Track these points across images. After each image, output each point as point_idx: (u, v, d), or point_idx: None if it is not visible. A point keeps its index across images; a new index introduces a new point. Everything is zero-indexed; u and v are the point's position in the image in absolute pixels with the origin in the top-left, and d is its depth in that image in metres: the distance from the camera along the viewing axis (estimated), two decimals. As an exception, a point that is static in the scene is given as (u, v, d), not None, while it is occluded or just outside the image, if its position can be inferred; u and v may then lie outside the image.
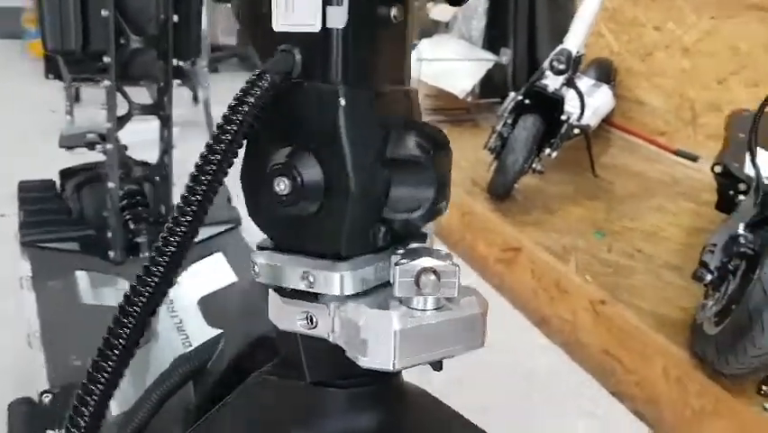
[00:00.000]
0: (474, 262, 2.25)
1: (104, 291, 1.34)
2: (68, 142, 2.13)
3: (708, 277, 1.50)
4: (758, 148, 1.82)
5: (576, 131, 2.39)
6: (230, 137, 0.37)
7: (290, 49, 0.39)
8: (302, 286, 0.40)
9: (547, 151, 2.21)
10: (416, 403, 0.49)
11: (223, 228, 1.58)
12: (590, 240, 2.07)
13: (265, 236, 0.45)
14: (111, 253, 1.41)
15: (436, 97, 3.00)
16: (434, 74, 2.88)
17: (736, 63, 2.54)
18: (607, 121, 2.95)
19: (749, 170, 1.69)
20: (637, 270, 1.91)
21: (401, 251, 0.39)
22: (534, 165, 2.21)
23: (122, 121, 1.36)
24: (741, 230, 1.46)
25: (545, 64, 2.18)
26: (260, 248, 0.43)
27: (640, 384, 1.62)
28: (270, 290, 0.42)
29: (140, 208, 1.52)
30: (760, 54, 2.46)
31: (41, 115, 3.24)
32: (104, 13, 1.25)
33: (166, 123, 1.43)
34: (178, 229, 0.37)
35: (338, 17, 0.37)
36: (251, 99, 0.37)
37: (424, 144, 0.40)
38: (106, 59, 1.28)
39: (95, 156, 1.52)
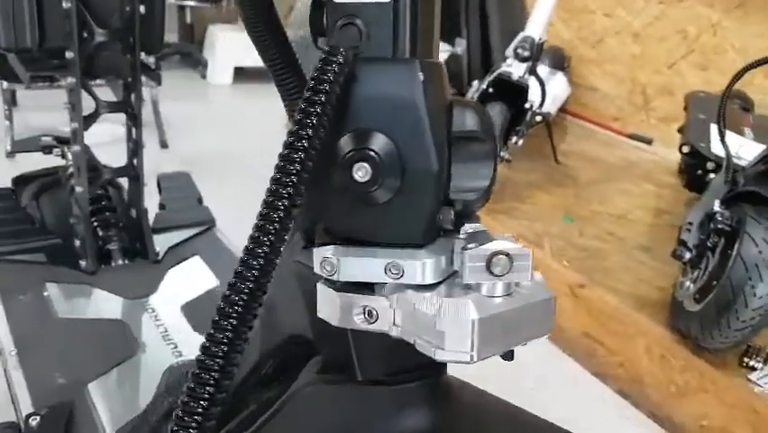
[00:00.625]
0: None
1: (79, 303, 1.26)
2: (22, 147, 2.00)
3: (688, 255, 1.53)
4: (715, 125, 1.87)
5: (538, 118, 2.41)
6: (315, 120, 0.34)
7: (353, 21, 0.36)
8: (387, 279, 0.37)
9: (514, 139, 2.22)
10: (466, 395, 0.47)
11: (197, 230, 1.51)
12: (562, 225, 2.09)
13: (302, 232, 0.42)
14: (82, 263, 1.33)
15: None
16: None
17: (684, 47, 2.62)
18: (562, 108, 3.00)
19: (716, 149, 1.74)
20: (611, 252, 1.94)
21: (463, 235, 0.37)
22: (502, 153, 2.22)
23: (88, 121, 1.27)
24: (717, 207, 1.50)
25: (509, 51, 2.18)
26: (321, 244, 0.39)
27: (623, 365, 1.65)
28: (321, 286, 0.39)
29: (107, 214, 1.44)
30: (707, 38, 2.54)
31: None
32: (65, 4, 1.16)
33: (134, 121, 1.35)
34: (274, 215, 0.33)
35: None
36: (330, 76, 0.34)
37: (483, 119, 0.38)
38: (69, 55, 1.20)
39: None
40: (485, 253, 0.35)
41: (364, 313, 0.38)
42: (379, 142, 0.36)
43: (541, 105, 2.36)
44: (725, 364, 1.46)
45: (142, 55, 1.30)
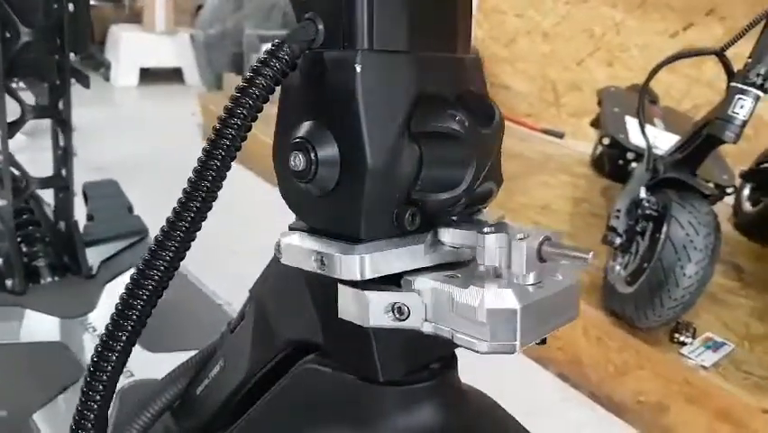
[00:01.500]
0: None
1: (11, 327, 1.16)
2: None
3: (618, 240, 1.62)
4: (629, 117, 2.00)
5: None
6: (245, 110, 0.35)
7: (314, 17, 0.36)
8: (310, 267, 0.37)
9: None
10: (475, 399, 0.47)
11: (130, 241, 1.43)
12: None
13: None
14: (8, 283, 1.22)
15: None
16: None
17: (591, 45, 2.77)
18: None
19: (634, 139, 1.85)
20: (541, 242, 2.01)
21: (487, 229, 0.37)
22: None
23: (14, 127, 1.17)
24: (643, 194, 1.59)
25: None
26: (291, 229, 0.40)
27: (562, 348, 1.72)
28: (342, 287, 0.38)
29: (32, 228, 1.34)
30: (612, 36, 2.69)
31: None
32: (-15, 2, 1.07)
33: (63, 127, 1.26)
34: (196, 194, 0.36)
35: None
36: (268, 71, 0.35)
37: (460, 117, 0.36)
38: (-9, 56, 1.10)
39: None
40: (534, 242, 0.35)
41: (393, 311, 0.37)
42: (314, 133, 0.36)
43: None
44: (657, 342, 1.55)
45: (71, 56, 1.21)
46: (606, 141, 1.91)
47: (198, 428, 0.58)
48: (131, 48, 3.70)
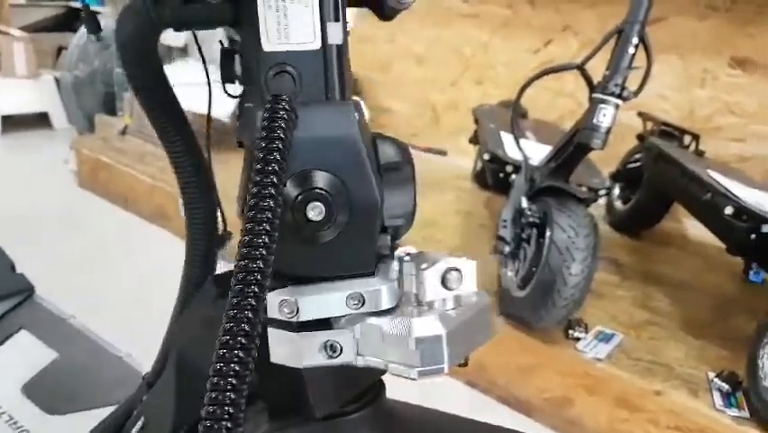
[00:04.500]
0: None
1: None
2: None
3: (507, 249, 1.71)
4: (504, 132, 2.12)
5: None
6: (275, 166, 0.33)
7: (285, 69, 0.37)
8: (348, 310, 0.38)
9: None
10: (409, 413, 0.50)
11: (16, 300, 1.34)
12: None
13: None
14: None
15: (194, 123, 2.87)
16: (190, 101, 2.76)
17: (462, 65, 2.91)
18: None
19: (511, 153, 1.96)
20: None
21: (407, 258, 0.39)
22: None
23: None
24: (524, 204, 1.69)
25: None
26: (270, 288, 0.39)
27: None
28: (273, 330, 0.39)
29: None
30: (481, 56, 2.85)
31: None
32: None
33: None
34: (253, 265, 0.31)
35: (337, 33, 0.37)
36: (282, 123, 0.34)
37: (402, 148, 0.41)
38: None
39: None
40: (440, 270, 0.37)
41: (326, 348, 0.38)
42: (327, 181, 0.37)
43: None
44: (554, 340, 1.65)
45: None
46: (486, 156, 2.01)
47: None
48: (-10, 95, 3.45)
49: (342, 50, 0.37)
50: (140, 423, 0.56)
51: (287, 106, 0.35)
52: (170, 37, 3.52)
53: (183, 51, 3.41)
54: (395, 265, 0.40)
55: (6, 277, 1.40)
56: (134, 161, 2.78)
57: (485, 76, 2.86)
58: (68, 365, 1.22)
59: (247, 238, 0.32)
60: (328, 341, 0.38)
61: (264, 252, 0.31)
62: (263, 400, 0.44)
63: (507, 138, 2.13)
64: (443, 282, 0.38)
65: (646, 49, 1.52)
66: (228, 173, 0.41)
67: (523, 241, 1.71)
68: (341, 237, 0.37)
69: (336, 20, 0.37)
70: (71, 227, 2.37)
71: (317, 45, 0.37)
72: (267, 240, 0.32)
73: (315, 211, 0.36)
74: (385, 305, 0.38)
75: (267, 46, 0.37)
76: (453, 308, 0.38)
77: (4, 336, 1.25)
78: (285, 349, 0.38)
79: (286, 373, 0.39)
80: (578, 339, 1.64)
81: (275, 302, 0.38)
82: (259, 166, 0.33)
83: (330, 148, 0.37)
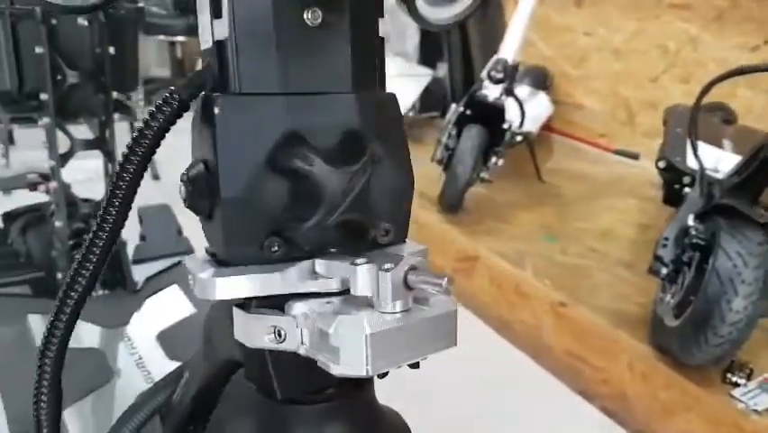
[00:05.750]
0: (433, 275, 2.25)
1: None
2: (8, 185, 2.04)
3: (664, 270, 1.54)
4: (699, 141, 1.89)
5: (518, 138, 2.43)
6: (141, 150, 0.38)
7: (211, 65, 0.40)
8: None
9: (494, 159, 2.24)
10: (379, 417, 0.47)
11: (175, 260, 1.53)
12: (544, 244, 2.10)
13: None
14: (62, 294, 1.35)
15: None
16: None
17: (665, 61, 2.64)
18: (547, 127, 3.02)
19: (691, 162, 1.75)
20: (593, 269, 1.94)
21: (362, 259, 0.38)
22: (481, 174, 2.24)
23: (65, 158, 1.30)
24: (691, 222, 1.50)
25: (483, 74, 2.21)
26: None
27: (607, 382, 1.64)
28: (235, 309, 0.41)
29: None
30: (687, 51, 2.56)
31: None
32: (38, 50, 1.19)
33: (110, 157, 1.38)
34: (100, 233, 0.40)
35: (222, 30, 0.38)
36: (159, 115, 0.38)
37: (308, 154, 0.38)
38: (44, 96, 1.23)
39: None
40: (400, 272, 0.36)
41: (275, 333, 0.39)
42: (191, 168, 0.39)
43: (520, 124, 2.38)
44: (708, 381, 1.45)
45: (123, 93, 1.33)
46: (661, 164, 1.81)
47: (175, 429, 0.61)
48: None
49: (232, 44, 0.38)
50: (185, 376, 0.62)
51: (171, 100, 0.38)
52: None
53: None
54: (349, 260, 0.39)
55: (172, 239, 1.61)
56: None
57: (691, 74, 2.56)
58: (200, 322, 1.37)
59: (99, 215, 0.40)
60: (276, 326, 0.39)
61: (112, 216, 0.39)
62: (248, 381, 0.46)
63: (702, 146, 1.89)
64: (405, 283, 0.36)
65: None
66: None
67: (683, 264, 1.52)
68: (209, 220, 0.40)
69: (218, 17, 0.38)
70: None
71: (210, 43, 0.39)
72: (109, 222, 0.40)
73: (181, 192, 0.39)
74: (212, 295, 0.38)
75: (202, 45, 0.41)
76: (402, 311, 0.37)
77: (158, 289, 1.43)
78: (241, 328, 0.40)
79: (257, 351, 0.40)
80: (736, 385, 1.43)
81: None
82: (126, 151, 0.39)
83: (197, 139, 0.40)
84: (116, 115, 1.38)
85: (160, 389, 0.65)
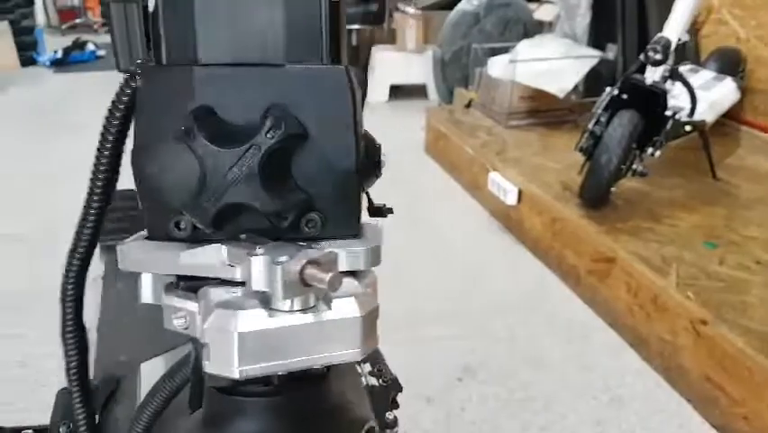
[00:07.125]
0: (563, 273, 2.05)
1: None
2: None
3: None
4: None
5: (688, 128, 2.12)
6: (109, 135, 0.40)
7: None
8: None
9: (650, 150, 1.98)
10: (332, 417, 0.43)
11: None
12: (700, 251, 1.80)
13: None
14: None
15: (533, 99, 2.81)
16: (530, 74, 2.70)
17: None
18: (733, 117, 2.61)
19: None
20: (752, 284, 1.63)
21: (260, 249, 0.34)
22: (634, 166, 1.98)
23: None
24: None
25: (642, 55, 1.96)
26: None
27: (748, 418, 1.36)
28: (165, 288, 0.40)
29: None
30: None
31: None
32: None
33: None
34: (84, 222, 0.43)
35: (151, 1, 0.37)
36: (124, 89, 0.39)
37: (195, 132, 0.35)
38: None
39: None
40: (295, 266, 0.32)
41: (185, 318, 0.37)
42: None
43: (691, 112, 2.08)
44: None
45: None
46: None
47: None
48: (384, 66, 3.98)
49: (158, 11, 0.37)
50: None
51: (134, 72, 0.38)
52: (542, 11, 3.48)
53: (549, 27, 3.34)
54: (245, 250, 0.35)
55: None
56: (466, 134, 2.86)
57: None
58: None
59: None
60: (181, 310, 0.37)
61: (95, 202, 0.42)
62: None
63: None
64: (302, 279, 0.33)
65: None
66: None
67: None
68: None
69: None
70: (400, 186, 2.59)
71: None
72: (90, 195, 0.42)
73: None
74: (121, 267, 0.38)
75: None
76: (297, 310, 0.34)
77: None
78: (165, 311, 0.39)
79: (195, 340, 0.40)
80: None
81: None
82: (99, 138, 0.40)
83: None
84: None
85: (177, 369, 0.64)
